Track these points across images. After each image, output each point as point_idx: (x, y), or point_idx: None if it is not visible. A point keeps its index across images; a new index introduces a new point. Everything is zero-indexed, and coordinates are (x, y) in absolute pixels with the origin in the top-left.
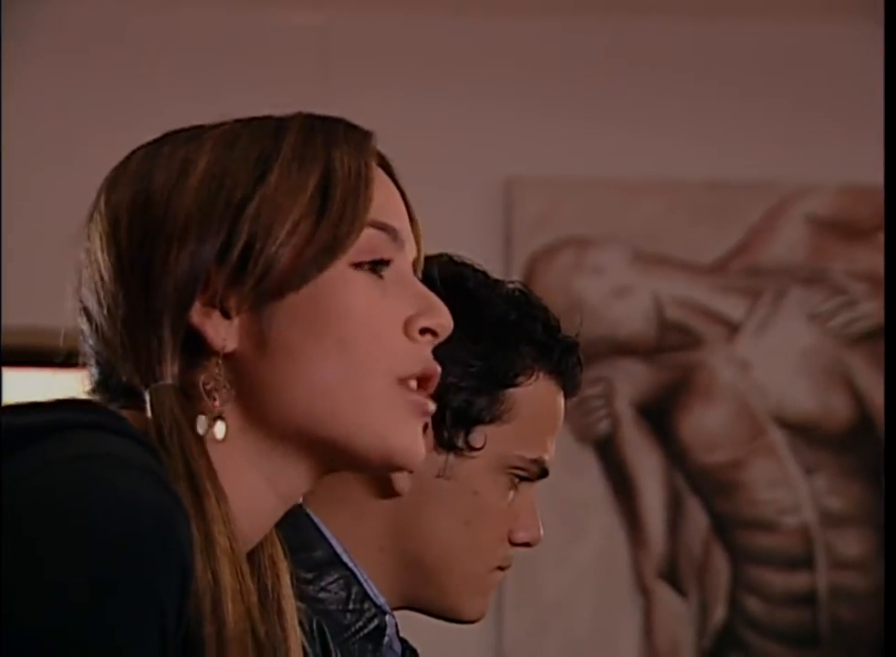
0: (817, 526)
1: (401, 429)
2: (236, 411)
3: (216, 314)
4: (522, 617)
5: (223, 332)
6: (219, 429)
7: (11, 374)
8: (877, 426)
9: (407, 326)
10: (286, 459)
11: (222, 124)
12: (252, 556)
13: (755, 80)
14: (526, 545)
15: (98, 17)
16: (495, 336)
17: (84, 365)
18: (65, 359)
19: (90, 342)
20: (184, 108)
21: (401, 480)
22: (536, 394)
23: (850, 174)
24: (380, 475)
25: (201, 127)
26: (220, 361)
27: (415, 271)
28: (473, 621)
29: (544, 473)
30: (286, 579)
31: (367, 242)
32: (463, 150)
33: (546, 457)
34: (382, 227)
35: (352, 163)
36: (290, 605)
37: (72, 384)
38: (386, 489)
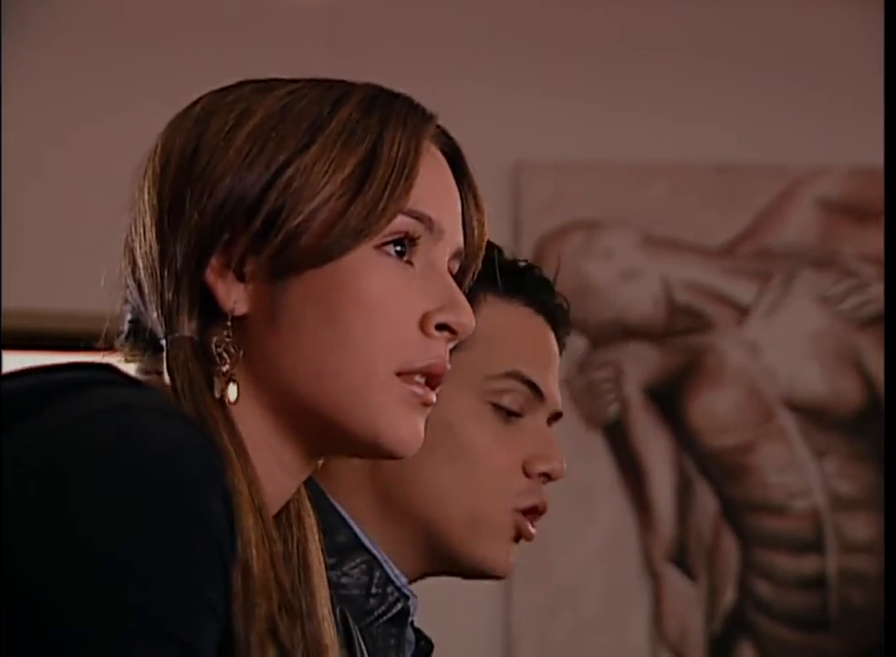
0: (826, 510)
1: (395, 419)
2: (244, 376)
3: (231, 276)
4: (531, 600)
5: (234, 295)
6: (231, 391)
7: (11, 358)
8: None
9: (424, 319)
10: (285, 432)
11: (295, 81)
12: (277, 517)
13: (764, 63)
14: (547, 477)
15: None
16: None
17: (120, 311)
18: (66, 342)
19: (128, 284)
20: (190, 90)
21: None
22: (490, 316)
23: (861, 156)
24: None
25: (275, 80)
26: (229, 323)
27: (472, 262)
28: (496, 575)
29: (538, 393)
30: (313, 535)
31: (398, 230)
32: (471, 133)
33: (523, 369)
34: (419, 217)
35: (402, 147)
36: (317, 559)
37: None
38: None
